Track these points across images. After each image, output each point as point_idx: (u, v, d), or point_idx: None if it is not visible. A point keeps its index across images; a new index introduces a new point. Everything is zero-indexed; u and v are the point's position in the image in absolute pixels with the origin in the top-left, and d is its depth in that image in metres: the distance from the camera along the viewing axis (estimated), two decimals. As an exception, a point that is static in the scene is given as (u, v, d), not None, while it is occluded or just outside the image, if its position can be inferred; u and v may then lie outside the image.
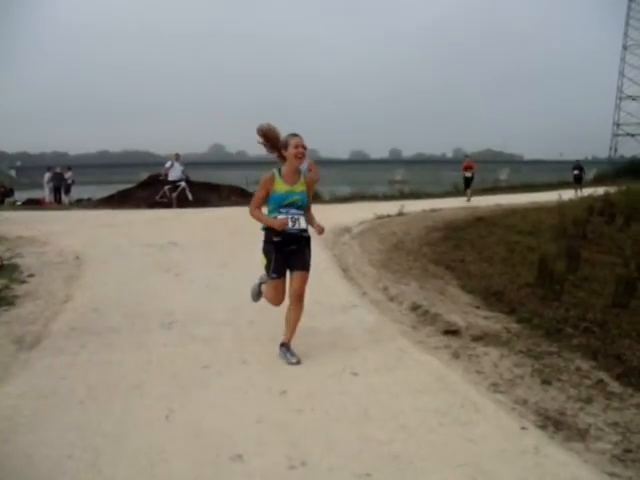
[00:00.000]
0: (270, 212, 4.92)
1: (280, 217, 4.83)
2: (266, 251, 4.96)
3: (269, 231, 4.90)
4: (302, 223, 4.93)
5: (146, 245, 10.82)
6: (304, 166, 5.77)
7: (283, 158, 4.96)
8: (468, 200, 22.44)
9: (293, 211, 4.87)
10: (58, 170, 26.44)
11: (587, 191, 23.26)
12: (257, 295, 5.54)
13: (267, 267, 4.96)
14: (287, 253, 4.92)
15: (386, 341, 5.38)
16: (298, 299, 4.92)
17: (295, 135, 4.93)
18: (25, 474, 3.15)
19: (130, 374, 4.62)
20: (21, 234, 12.33)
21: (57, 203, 24.83)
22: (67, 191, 26.57)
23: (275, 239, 4.87)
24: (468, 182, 23.75)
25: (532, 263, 7.92)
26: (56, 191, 25.78)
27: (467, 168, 23.87)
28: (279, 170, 4.93)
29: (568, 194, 21.93)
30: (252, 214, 4.95)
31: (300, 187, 4.93)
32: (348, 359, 4.92)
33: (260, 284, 5.45)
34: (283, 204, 4.85)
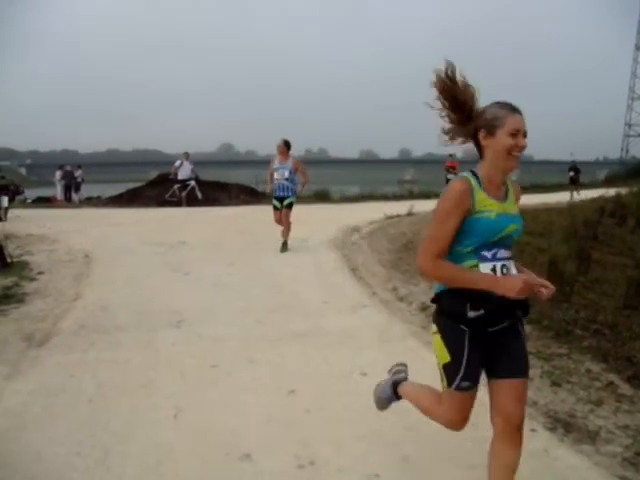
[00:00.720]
0: (461, 258, 2.54)
1: (487, 269, 2.50)
2: (448, 336, 2.61)
3: (458, 298, 2.52)
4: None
5: (155, 244, 10.85)
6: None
7: (479, 148, 2.62)
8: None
9: (502, 253, 2.55)
10: (69, 168, 26.58)
11: (592, 193, 22.55)
12: (388, 400, 3.29)
13: (447, 366, 2.67)
14: (491, 340, 2.60)
15: (395, 341, 5.36)
16: (516, 431, 2.61)
17: (513, 110, 2.51)
18: (35, 470, 3.16)
19: (138, 373, 4.63)
20: (31, 232, 12.41)
21: (67, 201, 24.96)
22: (77, 189, 26.70)
23: (473, 314, 2.49)
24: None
25: (542, 264, 7.87)
26: (67, 189, 25.92)
27: (450, 169, 22.95)
28: (474, 175, 2.56)
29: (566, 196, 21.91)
30: (428, 271, 2.53)
31: (513, 207, 2.66)
32: (357, 359, 4.91)
33: (395, 384, 3.29)
34: (492, 240, 2.51)
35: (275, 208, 10.17)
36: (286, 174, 10.02)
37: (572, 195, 24.00)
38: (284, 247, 9.97)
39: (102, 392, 4.24)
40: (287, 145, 10.12)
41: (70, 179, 26.09)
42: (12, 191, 16.63)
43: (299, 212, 10.42)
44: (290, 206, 10.04)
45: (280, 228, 10.17)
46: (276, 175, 10.09)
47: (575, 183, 26.59)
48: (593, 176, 47.91)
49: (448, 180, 20.78)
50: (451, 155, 24.09)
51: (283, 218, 10.02)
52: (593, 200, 17.33)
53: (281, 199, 10.07)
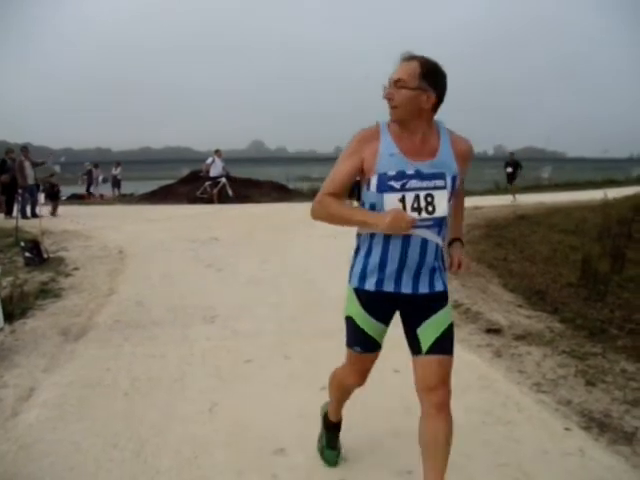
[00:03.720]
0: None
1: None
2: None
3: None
4: None
5: (188, 240, 10.95)
6: None
7: None
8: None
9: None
10: (89, 167, 26.98)
11: (626, 191, 21.91)
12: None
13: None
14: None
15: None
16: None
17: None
18: (73, 460, 3.22)
19: (173, 367, 4.68)
20: (66, 228, 12.60)
21: (88, 198, 25.37)
22: (117, 186, 27.23)
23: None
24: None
25: (575, 262, 7.81)
26: (88, 186, 26.42)
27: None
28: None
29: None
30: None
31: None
32: (390, 356, 4.86)
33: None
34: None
35: None
36: None
37: (512, 195, 20.75)
38: None
39: (137, 385, 4.30)
40: None
41: (91, 177, 26.55)
42: (55, 192, 17.21)
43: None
44: None
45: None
46: None
47: (512, 180, 22.25)
48: (628, 173, 47.24)
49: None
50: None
51: None
52: (627, 198, 17.04)
53: None
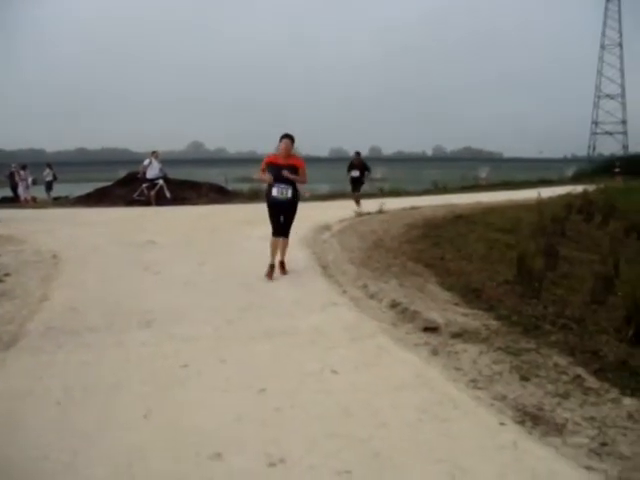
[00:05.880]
0: None
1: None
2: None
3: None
4: None
5: (124, 244, 10.75)
6: None
7: None
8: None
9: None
10: (13, 168, 25.96)
11: (562, 189, 22.41)
12: None
13: None
14: None
15: (366, 339, 5.38)
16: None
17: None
18: (2, 475, 3.11)
19: (108, 373, 4.58)
20: (-3, 233, 12.20)
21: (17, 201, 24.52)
22: (48, 188, 26.38)
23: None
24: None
25: (511, 260, 7.97)
26: (13, 190, 25.56)
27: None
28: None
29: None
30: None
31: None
32: (328, 357, 4.92)
33: None
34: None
35: None
36: None
37: (357, 204, 16.69)
38: None
39: (71, 394, 4.19)
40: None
41: (13, 179, 25.60)
42: None
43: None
44: None
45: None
46: None
47: (359, 186, 17.34)
48: (561, 173, 48.82)
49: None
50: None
51: None
52: (561, 197, 17.55)
53: None
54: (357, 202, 16.65)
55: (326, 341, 5.34)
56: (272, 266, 8.00)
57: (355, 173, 17.00)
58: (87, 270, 8.53)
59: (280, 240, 8.15)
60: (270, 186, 8.03)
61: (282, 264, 8.24)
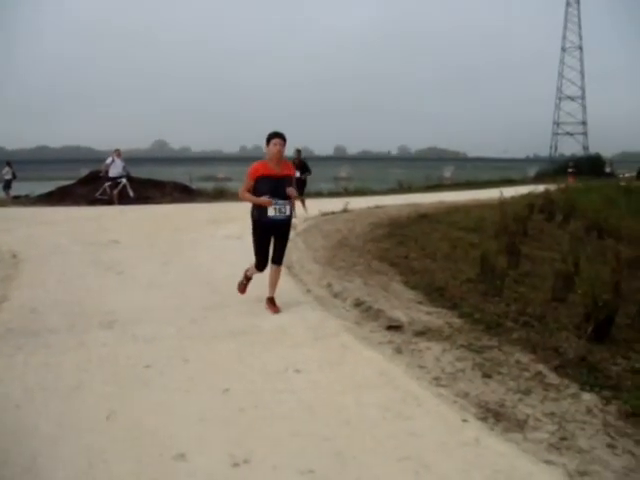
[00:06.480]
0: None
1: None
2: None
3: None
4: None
5: (87, 243, 10.60)
6: None
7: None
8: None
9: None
10: None
11: (524, 189, 22.54)
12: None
13: None
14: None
15: (330, 337, 5.38)
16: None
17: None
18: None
19: (69, 375, 4.50)
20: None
21: None
22: (7, 187, 25.83)
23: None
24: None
25: (474, 259, 8.04)
26: None
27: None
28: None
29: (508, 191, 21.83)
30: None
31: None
32: (291, 356, 4.91)
33: None
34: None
35: None
36: None
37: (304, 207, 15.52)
38: None
39: (30, 396, 4.11)
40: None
41: None
42: None
43: (232, 209, 10.27)
44: None
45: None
46: None
47: (302, 188, 15.45)
48: (524, 173, 49.65)
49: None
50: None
51: None
52: (523, 196, 17.74)
53: None
54: (303, 204, 15.50)
55: (290, 340, 5.33)
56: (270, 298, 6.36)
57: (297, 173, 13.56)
58: (48, 270, 8.38)
59: (273, 269, 6.37)
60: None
61: (272, 300, 6.34)
